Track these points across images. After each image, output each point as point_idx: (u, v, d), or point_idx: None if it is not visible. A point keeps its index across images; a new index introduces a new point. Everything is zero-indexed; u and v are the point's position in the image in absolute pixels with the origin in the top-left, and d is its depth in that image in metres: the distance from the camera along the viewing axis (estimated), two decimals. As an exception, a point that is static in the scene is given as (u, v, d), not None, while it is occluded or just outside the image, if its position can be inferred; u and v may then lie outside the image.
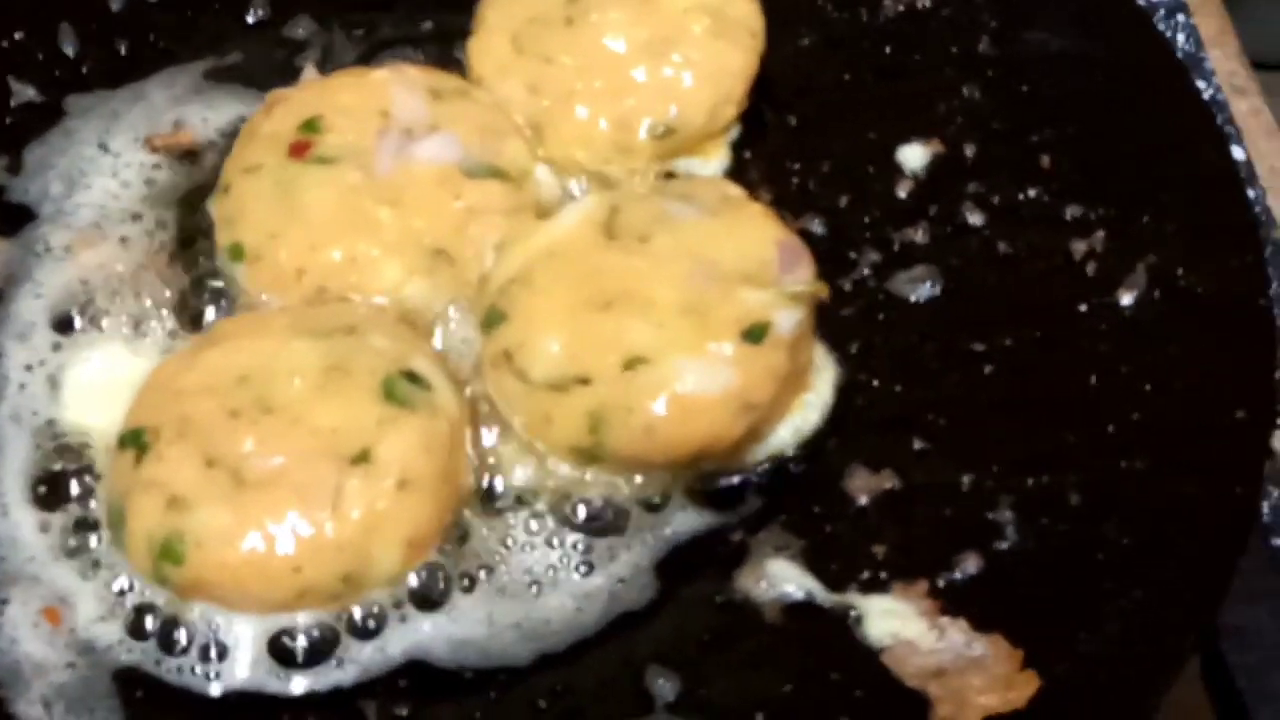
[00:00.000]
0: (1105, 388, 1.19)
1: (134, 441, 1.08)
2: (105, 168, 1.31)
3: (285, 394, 1.09)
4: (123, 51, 1.37)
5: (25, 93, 1.34)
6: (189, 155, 1.32)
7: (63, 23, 1.37)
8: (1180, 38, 1.53)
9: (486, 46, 1.31)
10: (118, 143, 1.32)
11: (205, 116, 1.34)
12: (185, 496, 1.05)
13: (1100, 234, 1.25)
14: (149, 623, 1.08)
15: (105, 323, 1.22)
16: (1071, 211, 1.27)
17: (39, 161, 1.31)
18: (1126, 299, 1.22)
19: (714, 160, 1.32)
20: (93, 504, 1.13)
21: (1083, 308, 1.23)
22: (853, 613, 1.10)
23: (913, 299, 1.26)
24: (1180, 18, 1.55)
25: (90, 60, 1.37)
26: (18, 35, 1.36)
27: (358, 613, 1.08)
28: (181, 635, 1.07)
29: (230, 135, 1.31)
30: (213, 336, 1.15)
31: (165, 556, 1.04)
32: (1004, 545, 1.12)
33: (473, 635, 1.09)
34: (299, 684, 1.06)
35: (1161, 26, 1.50)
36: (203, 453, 1.06)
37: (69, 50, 1.37)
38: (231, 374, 1.10)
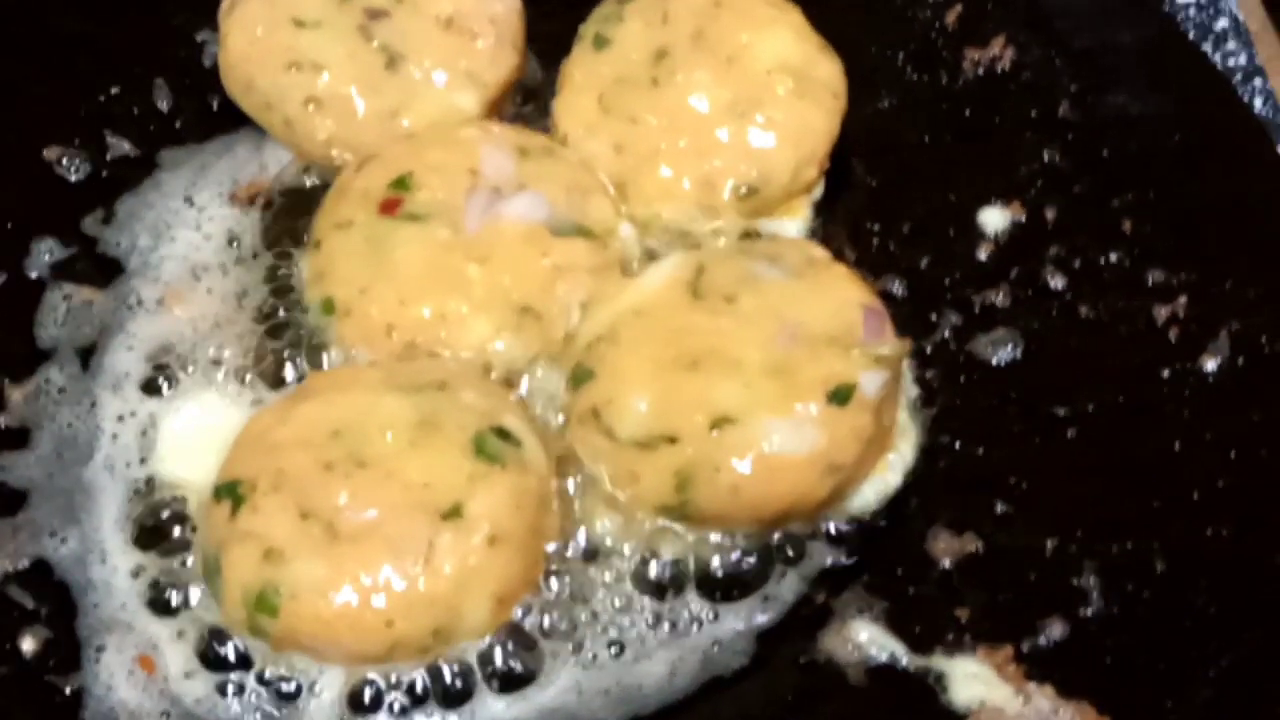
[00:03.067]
0: (1189, 454, 1.19)
1: (229, 493, 1.10)
2: (189, 220, 1.33)
3: (378, 448, 1.10)
4: (214, 106, 1.39)
5: (121, 146, 1.36)
6: (268, 207, 1.33)
7: (157, 78, 1.40)
8: (1258, 101, 1.53)
9: (573, 106, 1.33)
10: (202, 196, 1.34)
11: (288, 169, 1.36)
12: (281, 549, 1.06)
13: (1183, 299, 1.25)
14: (240, 673, 1.09)
15: (195, 375, 1.24)
16: (1154, 276, 1.27)
17: (129, 213, 1.33)
18: (1210, 365, 1.22)
19: (796, 219, 1.32)
20: (186, 552, 1.15)
21: (1165, 373, 1.23)
22: (936, 676, 1.10)
23: (994, 361, 1.26)
24: (1257, 82, 1.55)
25: (183, 114, 1.39)
26: (114, 90, 1.39)
27: (446, 676, 1.10)
28: (272, 687, 1.09)
29: (310, 188, 1.33)
30: (305, 390, 1.17)
31: (260, 608, 1.05)
32: (1089, 611, 1.12)
33: (563, 704, 1.10)
34: (388, 737, 1.08)
35: (1239, 91, 1.50)
36: (298, 505, 1.08)
37: (163, 105, 1.39)
38: (325, 428, 1.12)
